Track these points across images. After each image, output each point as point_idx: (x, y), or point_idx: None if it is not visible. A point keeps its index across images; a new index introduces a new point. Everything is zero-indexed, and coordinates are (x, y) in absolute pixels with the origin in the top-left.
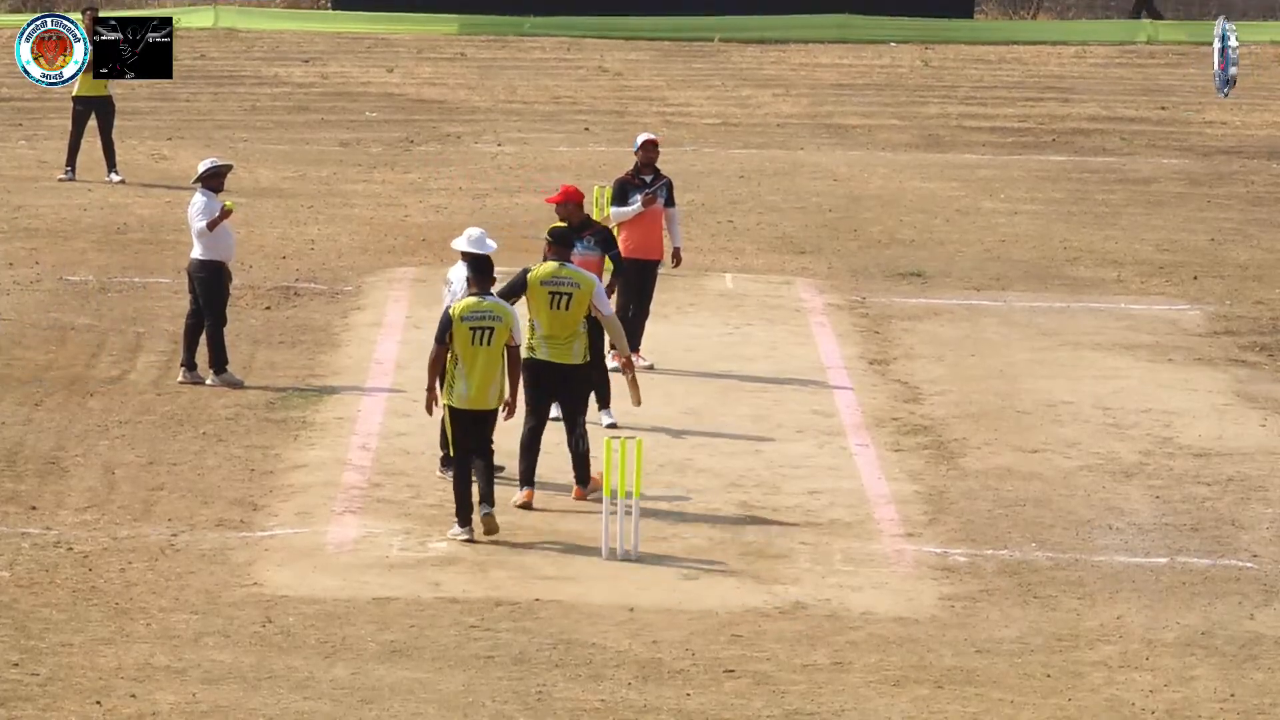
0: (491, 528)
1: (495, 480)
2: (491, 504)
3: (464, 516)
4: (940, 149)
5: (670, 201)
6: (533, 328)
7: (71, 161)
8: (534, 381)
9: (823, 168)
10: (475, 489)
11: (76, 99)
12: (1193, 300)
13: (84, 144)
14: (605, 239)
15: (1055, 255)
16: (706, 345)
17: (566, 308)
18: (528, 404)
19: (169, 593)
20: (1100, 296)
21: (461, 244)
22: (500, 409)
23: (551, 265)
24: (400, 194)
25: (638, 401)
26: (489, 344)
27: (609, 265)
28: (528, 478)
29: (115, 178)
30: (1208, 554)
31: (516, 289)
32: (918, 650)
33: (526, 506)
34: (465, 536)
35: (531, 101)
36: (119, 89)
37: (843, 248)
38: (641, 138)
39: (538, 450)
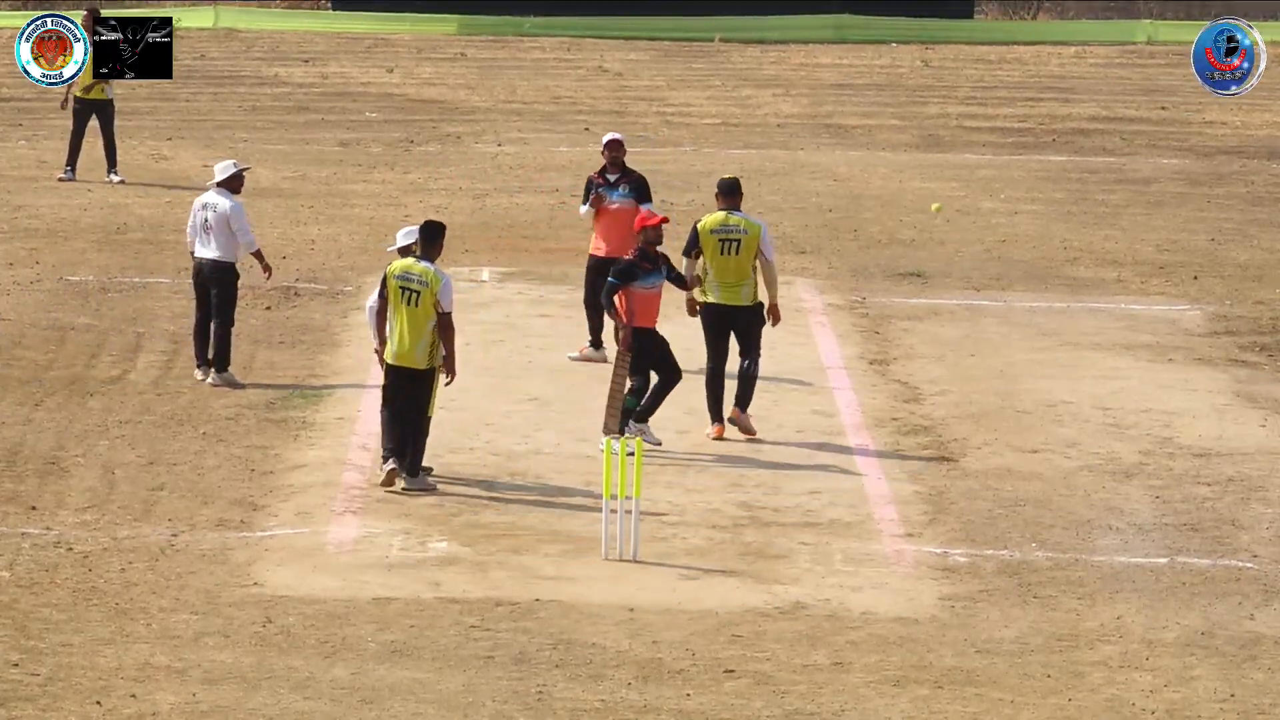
0: (388, 482)
1: (431, 477)
2: (400, 460)
3: (390, 452)
4: (940, 149)
5: (646, 199)
6: (706, 272)
7: (72, 161)
8: (709, 323)
9: (823, 168)
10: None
11: (77, 99)
12: (1193, 300)
13: (84, 144)
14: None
15: (1055, 255)
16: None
17: (735, 253)
18: (707, 345)
19: (169, 593)
20: (1100, 296)
21: (402, 239)
22: (443, 377)
23: (720, 214)
24: (400, 194)
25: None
26: (415, 305)
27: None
28: (715, 414)
29: (115, 178)
30: (1208, 554)
31: (693, 242)
32: (918, 650)
33: (719, 439)
34: (393, 465)
35: (531, 101)
36: (119, 89)
37: (843, 248)
38: (606, 137)
39: (720, 389)
